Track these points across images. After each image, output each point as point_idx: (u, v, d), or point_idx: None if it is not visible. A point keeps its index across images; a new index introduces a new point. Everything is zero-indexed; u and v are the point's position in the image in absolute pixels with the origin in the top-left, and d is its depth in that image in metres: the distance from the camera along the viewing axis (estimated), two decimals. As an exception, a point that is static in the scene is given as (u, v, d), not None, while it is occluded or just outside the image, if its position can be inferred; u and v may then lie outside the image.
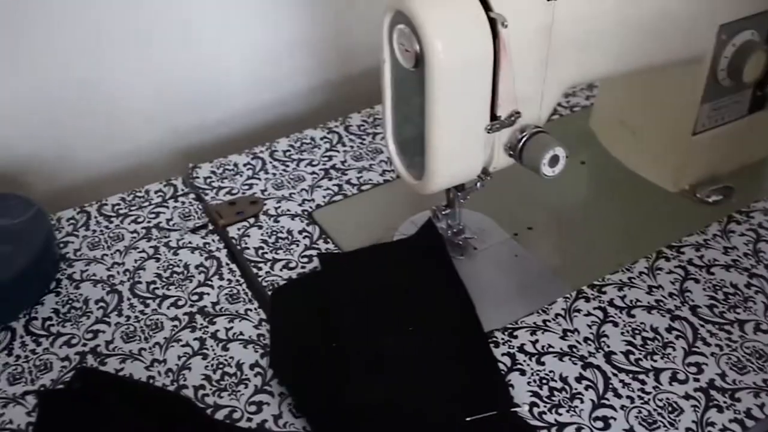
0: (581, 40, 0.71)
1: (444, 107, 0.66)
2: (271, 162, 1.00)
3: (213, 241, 0.88)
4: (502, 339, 0.75)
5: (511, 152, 0.72)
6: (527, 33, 0.67)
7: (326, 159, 1.00)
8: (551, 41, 0.68)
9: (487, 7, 0.65)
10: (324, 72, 1.17)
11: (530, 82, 0.69)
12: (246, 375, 0.73)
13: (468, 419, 0.67)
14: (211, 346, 0.76)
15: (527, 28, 0.67)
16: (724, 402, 0.69)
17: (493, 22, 0.65)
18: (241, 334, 0.77)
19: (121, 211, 0.93)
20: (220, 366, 0.74)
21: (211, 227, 0.90)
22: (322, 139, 1.04)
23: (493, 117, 0.69)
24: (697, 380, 0.71)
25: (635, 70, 0.80)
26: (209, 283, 0.83)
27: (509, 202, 0.91)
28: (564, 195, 0.94)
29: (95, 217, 0.92)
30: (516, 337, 0.75)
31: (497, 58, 0.66)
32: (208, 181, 0.97)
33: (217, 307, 0.80)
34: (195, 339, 0.77)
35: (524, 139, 0.71)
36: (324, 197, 0.94)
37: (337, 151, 1.01)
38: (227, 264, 0.85)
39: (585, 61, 0.73)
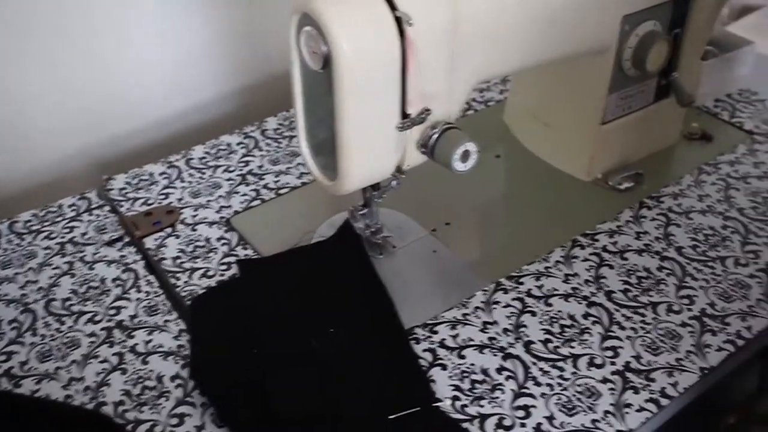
0: (487, 36, 0.72)
1: (354, 107, 0.66)
2: (187, 170, 0.99)
3: (130, 253, 0.87)
4: (423, 335, 0.75)
5: (424, 149, 0.72)
6: (433, 30, 0.67)
7: (243, 164, 0.99)
8: (457, 38, 0.69)
9: (392, 6, 0.65)
10: (239, 77, 1.16)
11: (439, 79, 0.70)
12: (167, 387, 0.72)
13: (391, 417, 0.67)
14: (131, 360, 0.75)
15: (433, 25, 0.67)
16: (640, 383, 0.71)
17: (399, 21, 0.65)
18: (161, 346, 0.76)
19: (33, 228, 0.91)
20: (140, 380, 0.73)
21: (127, 239, 0.89)
22: (238, 144, 1.03)
23: (404, 115, 0.70)
24: (613, 364, 0.73)
25: (543, 63, 0.81)
26: (127, 296, 0.82)
27: (426, 198, 0.92)
28: (480, 189, 0.95)
29: (6, 235, 0.90)
30: (436, 332, 0.76)
31: (405, 56, 0.66)
32: (123, 192, 0.96)
33: (136, 320, 0.79)
34: (114, 354, 0.75)
35: (435, 136, 0.71)
36: (242, 203, 0.93)
37: (254, 156, 1.01)
38: (145, 276, 0.84)
39: (492, 56, 0.74)
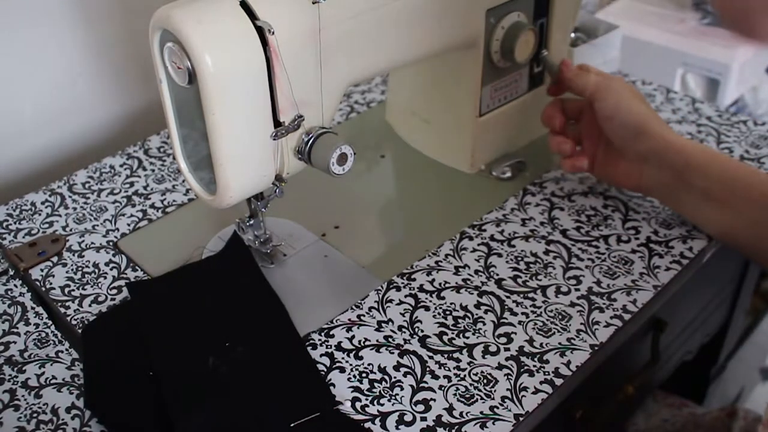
0: (351, 38, 0.73)
1: (224, 120, 0.66)
2: (70, 196, 0.97)
3: (15, 286, 0.85)
4: (320, 340, 0.76)
5: (300, 156, 0.72)
6: (296, 37, 0.67)
7: (128, 186, 0.98)
8: (321, 42, 0.69)
9: (252, 17, 0.65)
10: (118, 97, 1.14)
11: (308, 84, 0.70)
12: (63, 419, 0.70)
13: (292, 425, 0.67)
14: (23, 396, 0.73)
15: (295, 32, 0.67)
16: (534, 366, 0.73)
17: (260, 31, 0.65)
18: (54, 378, 0.74)
19: None
20: (35, 415, 0.71)
21: (11, 272, 0.86)
22: (121, 165, 1.01)
23: (277, 123, 0.70)
24: (507, 349, 0.74)
25: (412, 61, 0.82)
26: (15, 330, 0.79)
27: (313, 203, 0.92)
28: (368, 190, 0.95)
29: None
30: (333, 336, 0.76)
31: (270, 65, 0.66)
32: (5, 224, 0.93)
33: (26, 354, 0.77)
34: (4, 392, 0.73)
35: (310, 142, 0.71)
36: (129, 225, 0.92)
37: (139, 177, 0.99)
38: (33, 308, 0.82)
39: (359, 58, 0.75)
